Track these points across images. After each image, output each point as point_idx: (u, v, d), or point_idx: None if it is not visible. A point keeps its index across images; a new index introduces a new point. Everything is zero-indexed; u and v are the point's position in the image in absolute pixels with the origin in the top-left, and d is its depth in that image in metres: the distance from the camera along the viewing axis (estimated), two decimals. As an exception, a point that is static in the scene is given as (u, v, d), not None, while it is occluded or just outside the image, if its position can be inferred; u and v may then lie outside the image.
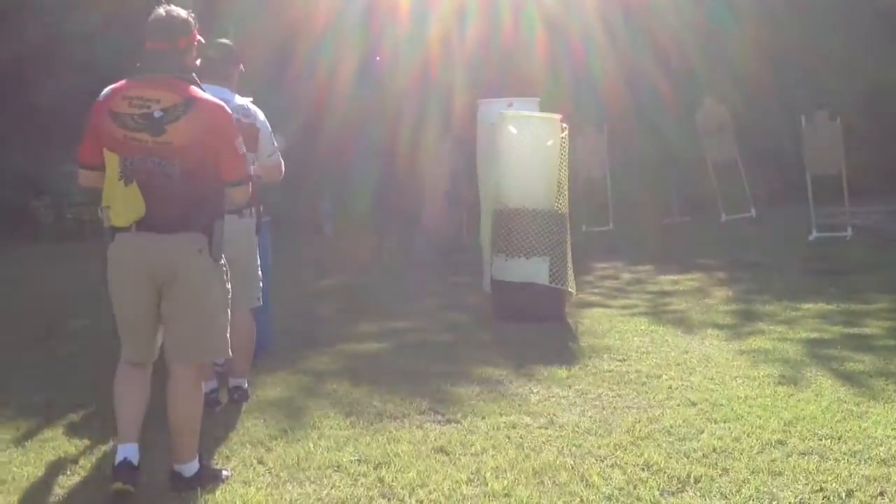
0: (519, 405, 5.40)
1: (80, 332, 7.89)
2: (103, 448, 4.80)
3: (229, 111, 4.15)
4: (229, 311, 4.28)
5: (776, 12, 16.20)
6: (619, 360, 6.47)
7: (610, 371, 6.17)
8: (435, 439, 4.80)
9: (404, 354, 6.89)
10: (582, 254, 9.08)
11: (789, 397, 5.47)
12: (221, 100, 4.22)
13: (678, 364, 6.33)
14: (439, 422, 5.14)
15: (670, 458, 4.46)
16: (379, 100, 15.40)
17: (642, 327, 7.66)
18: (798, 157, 13.81)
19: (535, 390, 5.73)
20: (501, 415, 5.22)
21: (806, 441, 4.68)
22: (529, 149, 8.01)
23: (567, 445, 4.68)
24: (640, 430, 4.88)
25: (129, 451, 4.05)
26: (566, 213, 8.18)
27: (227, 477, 4.31)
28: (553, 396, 5.59)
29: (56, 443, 4.91)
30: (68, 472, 4.48)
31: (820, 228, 13.01)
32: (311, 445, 4.73)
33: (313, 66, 14.69)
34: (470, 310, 8.83)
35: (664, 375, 6.02)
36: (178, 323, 4.11)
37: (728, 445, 4.62)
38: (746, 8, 16.38)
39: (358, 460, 4.51)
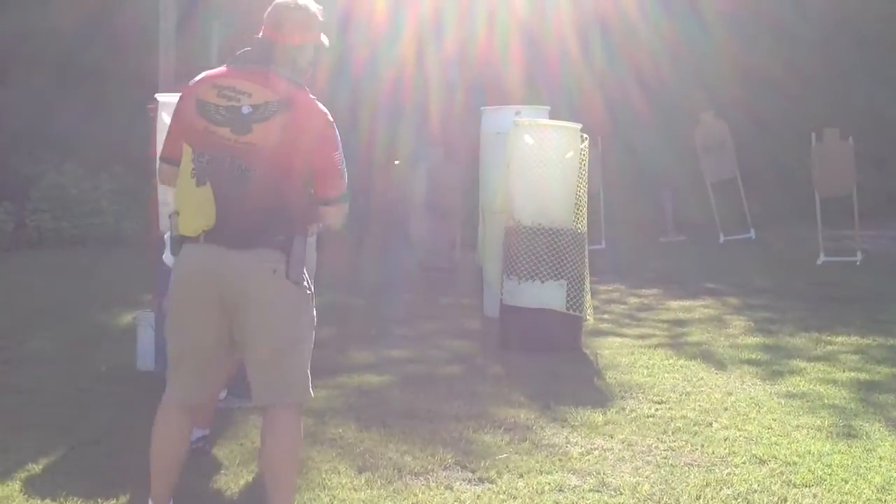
0: (559, 460, 4.64)
1: (38, 357, 6.95)
2: (69, 511, 3.95)
3: (331, 119, 3.47)
4: (313, 343, 3.58)
5: (781, 25, 15.66)
6: (658, 403, 5.73)
7: (652, 416, 5.42)
8: (470, 505, 4.03)
9: (411, 390, 6.11)
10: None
11: (868, 454, 4.76)
12: None
13: (726, 409, 5.60)
14: (470, 480, 4.37)
15: (760, 536, 3.73)
16: (357, 107, 14.61)
17: (668, 362, 6.93)
18: (799, 176, 13.22)
19: (573, 440, 4.97)
20: (542, 472, 4.45)
21: (910, 514, 3.97)
22: (547, 161, 7.25)
23: (631, 517, 3.92)
24: (711, 497, 4.15)
25: None
26: (584, 233, 7.45)
27: None
28: (596, 449, 4.82)
29: (12, 502, 4.05)
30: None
31: (827, 252, 12.38)
32: (324, 512, 3.94)
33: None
34: (473, 336, 8.06)
35: (715, 423, 5.29)
36: (255, 358, 3.48)
37: (823, 520, 3.89)
38: (750, 20, 15.82)
39: (382, 534, 3.73)
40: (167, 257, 4.56)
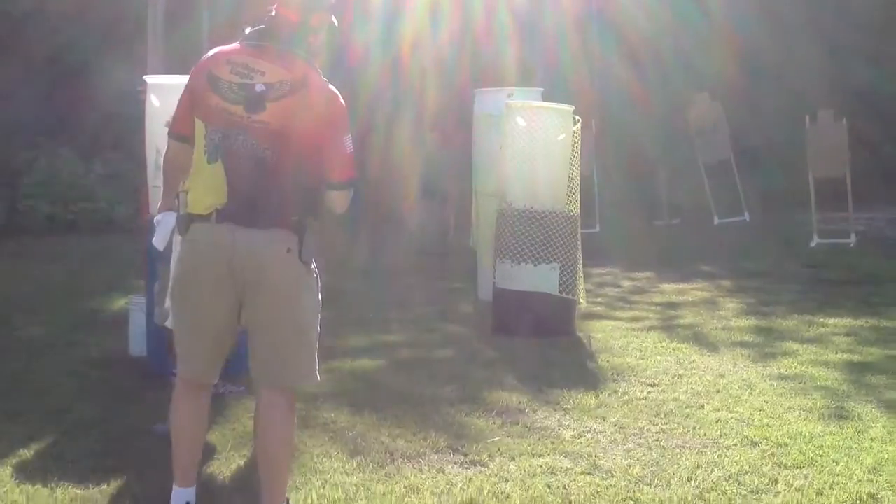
0: (552, 443, 4.64)
1: (31, 342, 6.94)
2: (63, 497, 3.93)
3: (343, 102, 3.45)
4: (318, 327, 3.54)
5: (776, 7, 15.60)
6: (651, 385, 5.73)
7: (644, 399, 5.43)
8: (462, 488, 4.03)
9: (404, 374, 6.11)
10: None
11: (859, 435, 4.77)
12: None
13: (718, 391, 5.61)
14: (462, 464, 4.37)
15: (750, 518, 3.73)
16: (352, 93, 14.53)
17: (661, 344, 6.94)
18: (795, 158, 13.20)
19: (565, 423, 4.97)
20: (534, 455, 4.46)
21: (901, 495, 3.97)
22: (539, 143, 7.23)
23: (622, 500, 3.93)
24: (702, 479, 4.15)
25: (188, 495, 3.57)
26: (577, 216, 7.43)
27: None
28: (588, 431, 4.83)
29: (2, 489, 4.04)
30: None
31: (821, 234, 12.39)
32: (315, 496, 3.93)
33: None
34: (466, 320, 8.07)
35: (707, 406, 5.30)
36: (263, 338, 3.43)
37: (813, 501, 3.91)
38: (745, 1, 15.76)
39: (374, 517, 3.73)
40: (157, 241, 4.53)
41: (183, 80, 3.70)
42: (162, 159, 3.86)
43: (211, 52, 3.50)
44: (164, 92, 5.41)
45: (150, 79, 5.80)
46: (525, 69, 14.37)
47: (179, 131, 3.53)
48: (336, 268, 10.35)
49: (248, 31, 3.55)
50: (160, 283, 4.97)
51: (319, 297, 3.54)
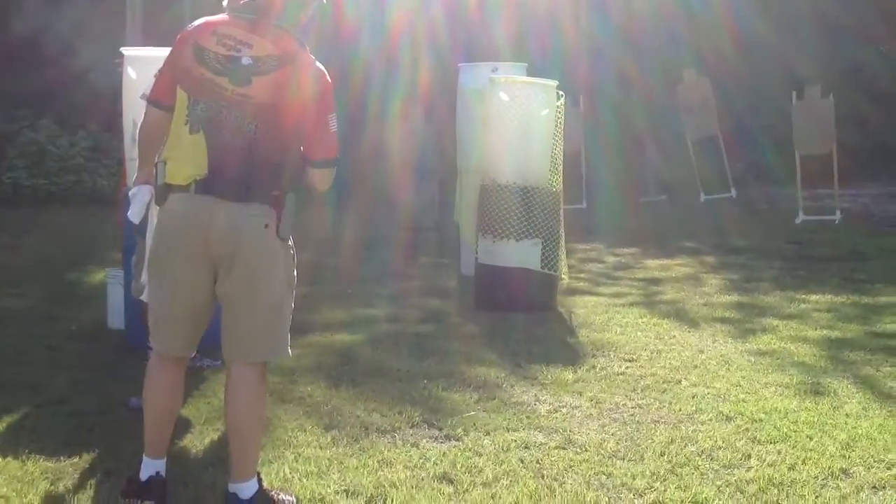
0: (527, 417, 4.64)
1: (8, 315, 6.91)
2: (33, 469, 3.91)
3: (329, 80, 3.42)
4: (293, 303, 3.53)
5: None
6: (629, 361, 5.73)
7: (622, 374, 5.43)
8: (435, 462, 4.02)
9: (382, 348, 6.09)
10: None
11: (834, 411, 4.78)
12: None
13: (696, 367, 5.62)
14: (437, 438, 4.36)
15: (721, 493, 3.74)
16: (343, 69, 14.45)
17: (642, 320, 6.94)
18: (782, 134, 13.20)
19: (541, 398, 4.97)
20: (509, 430, 4.45)
21: (872, 470, 3.98)
22: (522, 119, 7.19)
23: (594, 474, 3.92)
24: (675, 454, 4.15)
25: (158, 465, 3.53)
26: (560, 192, 7.41)
27: (290, 503, 3.55)
28: (564, 406, 4.83)
29: (-26, 462, 4.02)
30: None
31: (806, 211, 12.41)
32: (287, 470, 3.92)
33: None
34: (448, 295, 8.06)
35: (684, 381, 5.30)
36: (236, 312, 3.40)
37: (785, 476, 3.90)
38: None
39: (346, 491, 3.72)
40: (132, 214, 4.50)
41: (160, 52, 3.65)
42: (138, 130, 3.82)
43: (197, 22, 3.45)
44: (141, 64, 5.36)
45: (127, 51, 5.73)
46: (517, 44, 14.29)
47: (159, 99, 3.49)
48: (319, 243, 10.34)
49: (225, 2, 3.51)
50: (137, 255, 4.94)
51: (295, 273, 3.52)
